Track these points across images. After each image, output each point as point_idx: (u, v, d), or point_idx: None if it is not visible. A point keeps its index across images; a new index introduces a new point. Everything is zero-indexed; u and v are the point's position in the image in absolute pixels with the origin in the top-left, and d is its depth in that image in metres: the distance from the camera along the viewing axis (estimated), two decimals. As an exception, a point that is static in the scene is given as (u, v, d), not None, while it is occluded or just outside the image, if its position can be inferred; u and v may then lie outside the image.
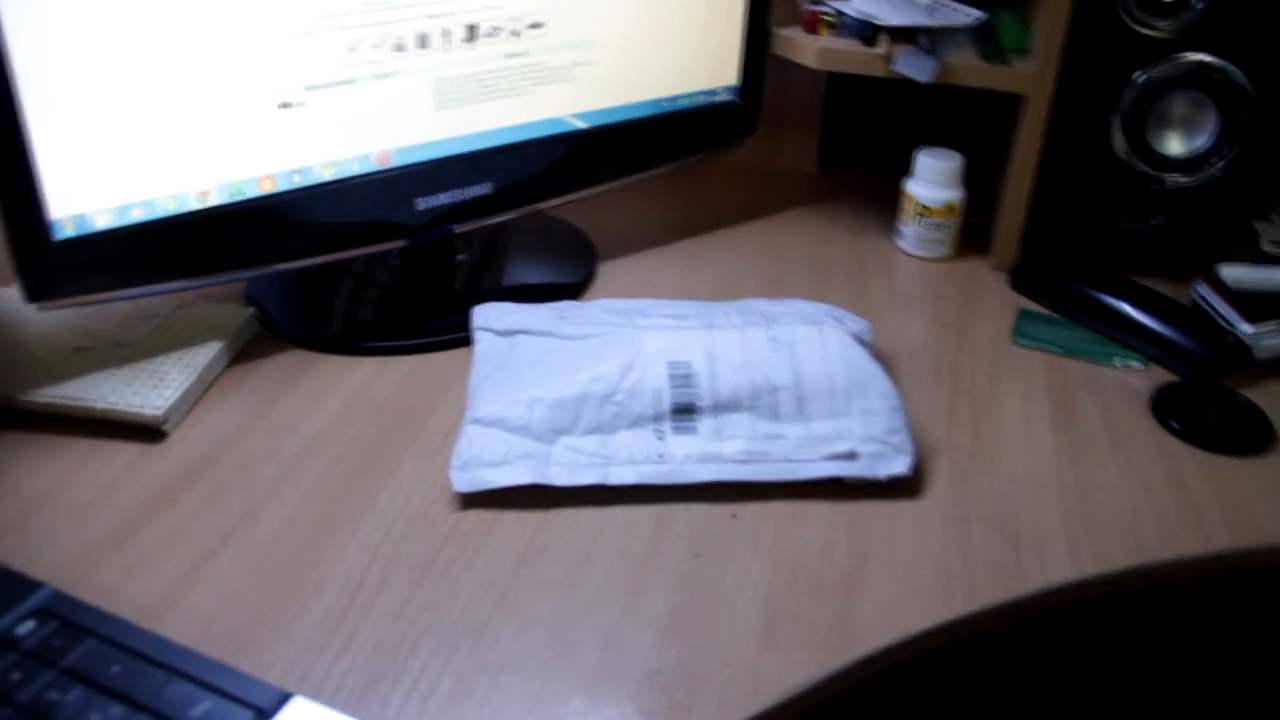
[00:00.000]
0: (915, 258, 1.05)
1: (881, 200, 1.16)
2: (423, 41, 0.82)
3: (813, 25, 1.01)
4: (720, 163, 1.24)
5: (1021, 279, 1.00)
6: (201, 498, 0.71)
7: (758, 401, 0.72)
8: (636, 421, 0.71)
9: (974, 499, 0.73)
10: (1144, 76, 0.95)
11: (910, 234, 1.04)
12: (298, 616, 0.63)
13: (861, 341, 0.80)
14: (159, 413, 0.76)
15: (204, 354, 0.81)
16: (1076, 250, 1.02)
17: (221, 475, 0.73)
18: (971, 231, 1.07)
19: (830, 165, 1.25)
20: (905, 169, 1.12)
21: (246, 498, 0.72)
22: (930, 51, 0.95)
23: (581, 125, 0.93)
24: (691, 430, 0.72)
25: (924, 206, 1.02)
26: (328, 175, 0.83)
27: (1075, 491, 0.75)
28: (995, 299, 0.98)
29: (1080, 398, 0.85)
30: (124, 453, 0.74)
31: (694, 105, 1.00)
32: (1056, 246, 1.02)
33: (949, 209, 1.02)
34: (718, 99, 1.02)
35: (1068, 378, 0.87)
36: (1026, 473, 0.76)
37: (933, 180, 1.02)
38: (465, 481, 0.70)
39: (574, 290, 0.95)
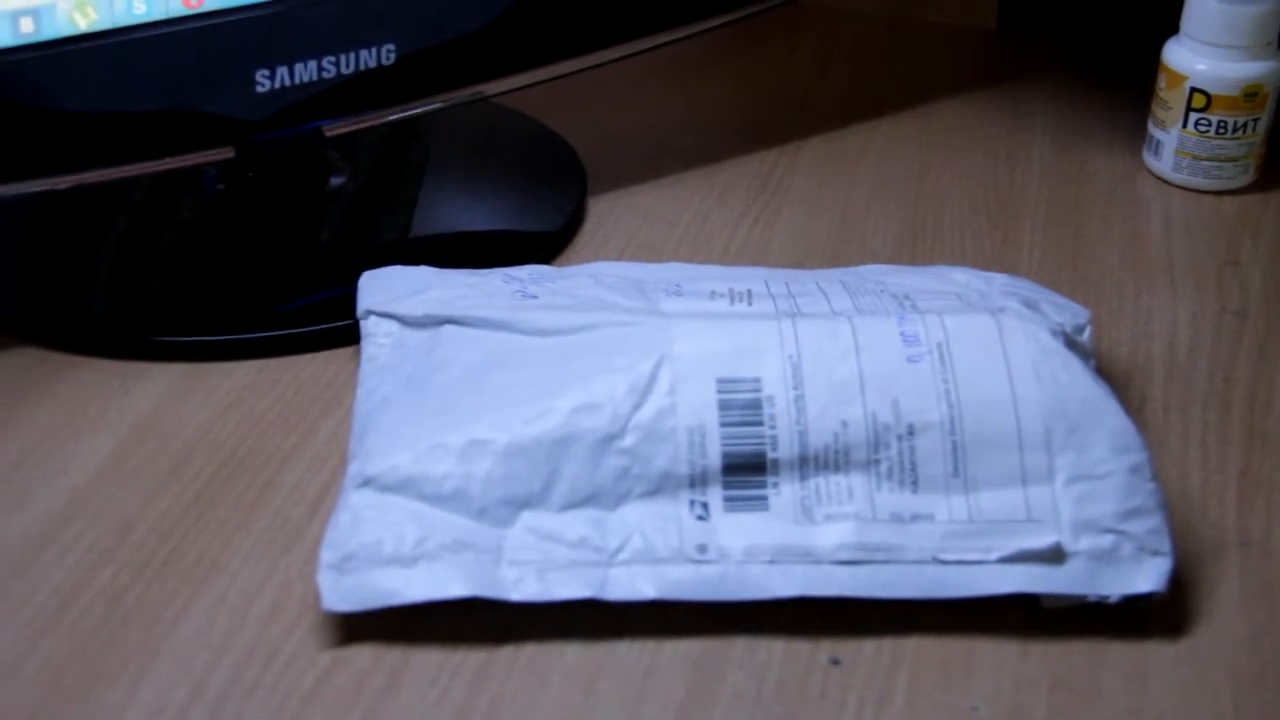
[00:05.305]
0: (1181, 189, 0.89)
1: (1116, 83, 0.98)
2: None
3: None
4: (810, 12, 1.06)
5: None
6: None
7: (880, 453, 0.61)
8: (659, 486, 0.60)
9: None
10: None
11: (1173, 144, 0.89)
12: None
13: (1074, 345, 0.66)
14: None
15: None
16: None
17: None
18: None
19: (1018, 20, 1.06)
20: (1163, 25, 0.96)
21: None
22: None
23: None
24: (759, 504, 0.60)
25: (1203, 92, 0.87)
26: (84, 23, 0.69)
27: None
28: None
29: None
30: None
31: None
32: None
33: (1253, 95, 0.86)
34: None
35: None
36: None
37: (1223, 39, 0.84)
38: (345, 593, 0.58)
39: (546, 245, 0.82)
